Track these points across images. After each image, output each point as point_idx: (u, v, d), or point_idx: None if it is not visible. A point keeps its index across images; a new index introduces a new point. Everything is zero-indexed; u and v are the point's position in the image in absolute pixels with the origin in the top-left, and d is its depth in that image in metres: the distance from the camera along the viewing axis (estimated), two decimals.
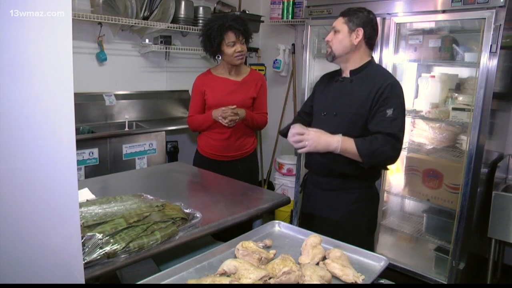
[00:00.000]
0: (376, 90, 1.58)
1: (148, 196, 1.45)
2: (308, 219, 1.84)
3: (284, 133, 1.87)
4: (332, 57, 1.69)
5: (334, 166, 1.68)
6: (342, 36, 1.64)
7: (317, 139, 1.55)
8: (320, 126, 1.68)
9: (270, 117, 2.50)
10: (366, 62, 1.68)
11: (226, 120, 2.12)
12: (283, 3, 3.53)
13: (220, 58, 2.24)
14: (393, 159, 1.60)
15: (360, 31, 1.62)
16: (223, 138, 2.26)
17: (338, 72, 1.77)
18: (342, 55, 1.66)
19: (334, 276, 1.05)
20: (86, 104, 3.03)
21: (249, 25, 2.25)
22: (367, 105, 1.59)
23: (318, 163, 1.74)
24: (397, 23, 2.43)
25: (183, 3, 3.30)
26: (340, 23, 1.65)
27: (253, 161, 2.42)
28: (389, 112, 1.54)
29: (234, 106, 2.14)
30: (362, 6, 1.72)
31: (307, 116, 1.86)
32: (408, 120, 2.56)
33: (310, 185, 1.84)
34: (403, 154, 2.65)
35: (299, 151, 1.61)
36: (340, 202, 1.71)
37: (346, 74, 1.71)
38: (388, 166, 1.74)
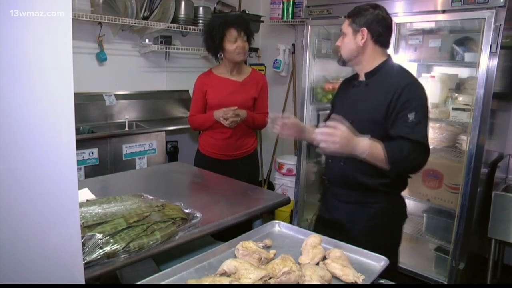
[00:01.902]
0: (392, 94, 1.44)
1: (148, 196, 1.45)
2: (324, 232, 1.51)
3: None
4: (342, 62, 1.60)
5: (353, 176, 1.54)
6: (348, 39, 1.54)
7: (347, 140, 1.33)
8: None
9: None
10: (381, 62, 1.55)
11: (227, 121, 2.14)
12: (283, 3, 3.53)
13: (221, 56, 2.24)
14: (421, 166, 1.45)
15: (364, 31, 1.50)
16: (224, 138, 2.26)
17: (356, 76, 1.65)
18: (351, 58, 1.56)
19: (334, 276, 1.05)
20: (86, 104, 3.04)
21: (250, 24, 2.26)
22: (383, 110, 1.46)
23: (336, 173, 1.61)
24: (397, 23, 2.42)
25: (183, 3, 3.30)
26: (346, 26, 1.56)
27: (253, 161, 2.42)
28: (411, 116, 1.40)
29: (236, 108, 2.15)
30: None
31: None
32: None
33: (329, 195, 1.69)
34: None
35: (323, 149, 1.35)
36: (359, 216, 1.56)
37: (362, 77, 1.60)
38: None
